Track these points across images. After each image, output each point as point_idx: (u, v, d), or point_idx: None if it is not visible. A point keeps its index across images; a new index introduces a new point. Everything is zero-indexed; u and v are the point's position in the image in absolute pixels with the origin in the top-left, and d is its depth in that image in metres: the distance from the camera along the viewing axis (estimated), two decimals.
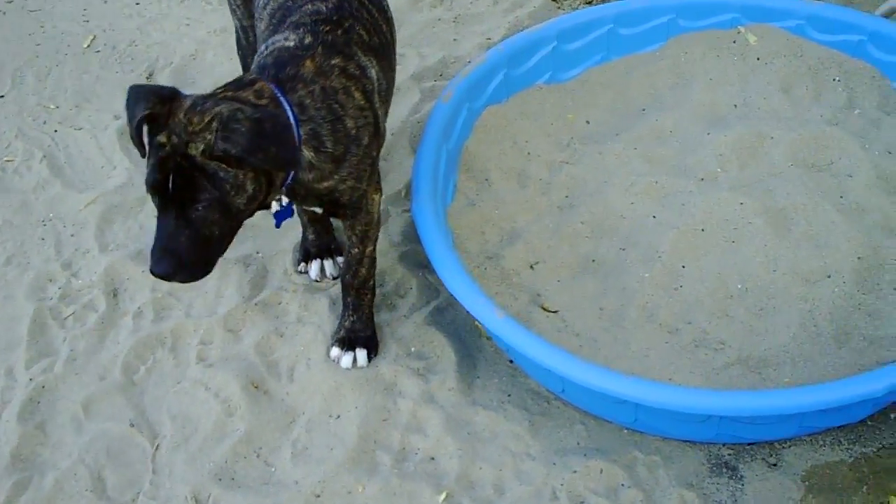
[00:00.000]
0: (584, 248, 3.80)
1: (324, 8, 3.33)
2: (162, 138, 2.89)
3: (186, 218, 2.93)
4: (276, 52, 3.19)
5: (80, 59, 5.01)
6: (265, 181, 3.00)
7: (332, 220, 3.82)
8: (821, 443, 3.32)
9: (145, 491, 3.36)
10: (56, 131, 4.62)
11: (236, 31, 3.95)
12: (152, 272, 2.97)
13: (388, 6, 3.66)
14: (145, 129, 2.94)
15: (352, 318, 3.57)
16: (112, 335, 3.79)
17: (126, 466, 3.43)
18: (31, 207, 4.29)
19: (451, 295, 3.49)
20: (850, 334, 3.45)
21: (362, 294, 3.56)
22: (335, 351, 3.57)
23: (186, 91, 4.60)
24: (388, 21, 3.60)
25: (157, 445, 3.47)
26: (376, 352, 3.60)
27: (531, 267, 3.76)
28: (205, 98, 2.95)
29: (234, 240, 3.10)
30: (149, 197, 3.04)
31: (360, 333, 3.57)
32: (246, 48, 3.89)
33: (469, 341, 3.67)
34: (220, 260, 3.10)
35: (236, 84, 3.07)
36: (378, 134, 3.32)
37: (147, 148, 2.94)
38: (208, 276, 3.11)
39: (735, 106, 4.28)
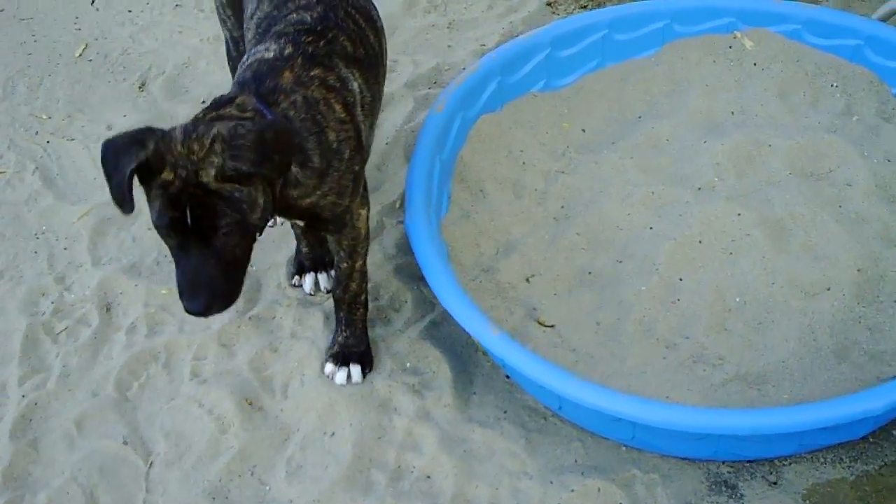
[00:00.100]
0: (581, 260, 3.77)
1: (308, 18, 3.29)
2: (167, 176, 2.77)
3: (211, 247, 2.83)
4: (256, 64, 3.14)
5: (73, 68, 4.97)
6: (271, 191, 2.94)
7: None
8: (822, 460, 3.29)
9: None
10: (48, 142, 4.59)
11: (226, 42, 3.92)
12: (189, 311, 2.88)
13: (378, 16, 3.62)
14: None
15: (345, 334, 3.54)
16: (105, 350, 3.76)
17: (119, 485, 3.40)
18: (23, 220, 4.26)
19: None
20: (850, 349, 3.42)
21: (354, 309, 3.52)
22: (329, 367, 3.54)
23: (180, 100, 4.64)
24: (377, 32, 3.56)
25: (151, 463, 3.44)
26: (371, 367, 3.56)
27: (527, 280, 3.72)
28: (194, 125, 2.85)
29: None
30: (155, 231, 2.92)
31: (353, 349, 3.54)
32: (236, 59, 3.85)
33: (465, 356, 3.63)
34: None
35: (216, 104, 2.99)
36: (361, 148, 3.27)
37: (149, 193, 2.82)
38: None
39: (732, 113, 4.24)
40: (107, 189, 4.17)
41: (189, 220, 2.78)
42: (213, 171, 2.76)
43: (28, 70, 4.98)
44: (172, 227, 2.80)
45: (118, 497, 3.37)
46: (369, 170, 4.15)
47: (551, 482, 3.25)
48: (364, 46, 3.38)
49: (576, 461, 3.33)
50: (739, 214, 3.75)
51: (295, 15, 3.30)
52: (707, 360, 3.42)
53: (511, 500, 3.23)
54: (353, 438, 3.39)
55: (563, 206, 3.95)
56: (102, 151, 2.83)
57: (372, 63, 3.42)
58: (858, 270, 3.58)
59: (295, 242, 3.84)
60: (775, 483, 3.25)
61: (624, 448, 3.36)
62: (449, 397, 3.49)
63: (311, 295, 3.82)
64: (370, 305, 3.67)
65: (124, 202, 2.78)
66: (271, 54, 3.16)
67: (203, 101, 4.63)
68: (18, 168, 4.47)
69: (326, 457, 3.38)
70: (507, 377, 3.56)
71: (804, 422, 3.04)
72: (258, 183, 2.85)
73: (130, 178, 2.76)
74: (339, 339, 3.55)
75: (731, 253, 3.67)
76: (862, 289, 3.56)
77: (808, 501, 3.19)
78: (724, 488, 3.25)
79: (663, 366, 3.42)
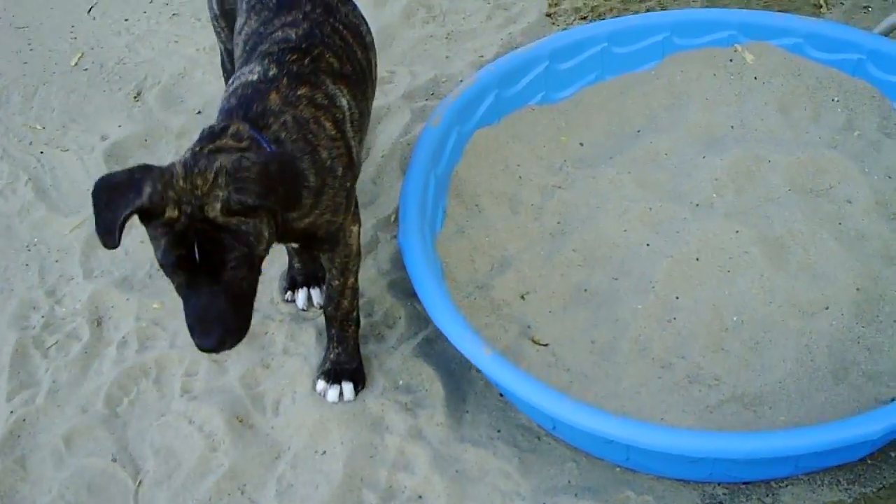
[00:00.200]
0: (576, 277, 3.72)
1: (293, 35, 3.25)
2: (171, 214, 2.71)
3: (219, 282, 2.78)
4: (240, 89, 3.10)
5: (68, 77, 4.93)
6: (274, 222, 2.90)
7: None
8: (819, 482, 3.23)
9: None
10: (42, 153, 4.55)
11: (220, 55, 3.89)
12: (202, 349, 2.84)
13: (367, 31, 3.58)
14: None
15: (337, 351, 3.50)
16: (96, 365, 3.72)
17: (107, 503, 3.36)
18: (15, 232, 4.22)
19: None
20: (849, 369, 3.37)
21: (346, 326, 3.48)
22: (321, 384, 3.50)
23: (175, 111, 4.60)
24: (366, 48, 3.51)
25: (140, 481, 3.40)
26: (364, 384, 3.52)
27: (522, 297, 3.68)
28: (194, 159, 2.79)
29: None
30: (161, 273, 2.88)
31: (345, 366, 3.50)
32: (230, 71, 3.80)
33: (459, 373, 3.59)
34: None
35: (210, 136, 2.93)
36: (352, 164, 3.23)
37: (151, 232, 2.77)
38: None
39: (732, 127, 4.19)
40: None
41: (197, 257, 2.73)
42: (218, 206, 2.71)
43: (23, 79, 4.95)
44: (179, 264, 2.76)
45: None
46: (364, 183, 4.13)
47: (544, 503, 3.21)
48: (351, 62, 3.34)
49: (569, 482, 3.29)
50: (738, 231, 3.70)
51: (280, 33, 3.26)
52: (703, 381, 3.38)
53: None
54: (344, 457, 3.35)
55: (559, 222, 3.90)
56: (96, 188, 2.77)
57: (359, 79, 3.38)
58: (858, 289, 3.53)
59: (287, 258, 3.80)
60: None
61: (618, 469, 3.32)
62: (441, 416, 3.44)
63: (304, 310, 3.79)
64: (363, 321, 3.63)
65: (110, 240, 2.74)
66: (255, 76, 3.12)
67: (198, 112, 4.61)
68: (11, 179, 4.43)
69: (317, 476, 3.34)
70: (501, 395, 3.52)
71: (799, 446, 2.99)
72: (263, 215, 2.81)
73: (123, 222, 2.72)
74: (331, 356, 3.51)
75: (728, 271, 3.62)
76: (861, 308, 3.51)
77: None
78: None
79: (658, 386, 3.37)
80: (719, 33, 4.41)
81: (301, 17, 3.32)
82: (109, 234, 2.73)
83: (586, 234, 3.82)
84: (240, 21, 3.43)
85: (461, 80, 4.47)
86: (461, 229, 3.88)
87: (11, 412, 3.59)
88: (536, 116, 4.28)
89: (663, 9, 4.88)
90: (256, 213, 2.77)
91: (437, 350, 3.64)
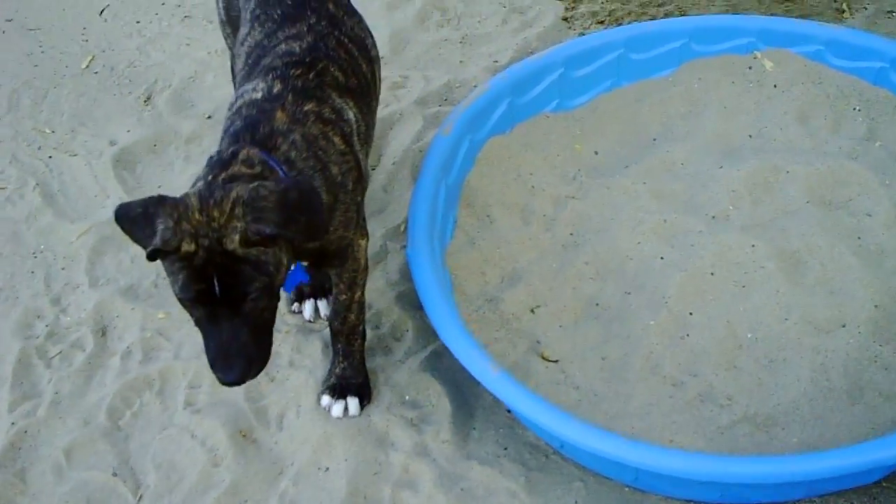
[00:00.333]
0: (588, 290, 3.65)
1: (297, 48, 3.19)
2: (188, 248, 2.63)
3: (240, 314, 2.71)
4: (245, 109, 3.02)
5: (79, 80, 4.89)
6: (292, 250, 2.83)
7: None
8: None
9: None
10: (50, 157, 4.51)
11: (231, 59, 3.82)
12: (224, 383, 2.77)
13: (372, 44, 3.51)
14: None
15: (342, 365, 3.43)
16: (99, 377, 3.67)
17: None
18: (22, 238, 4.18)
19: None
20: (864, 389, 3.28)
21: (352, 340, 3.41)
22: (326, 399, 3.43)
23: (185, 115, 4.55)
24: (371, 61, 3.44)
25: (140, 496, 3.35)
26: (369, 399, 3.45)
27: (532, 311, 3.60)
28: (209, 189, 2.71)
29: None
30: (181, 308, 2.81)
31: (351, 381, 3.43)
32: None
33: (466, 388, 3.51)
34: None
35: (220, 163, 2.84)
36: (361, 178, 3.17)
37: (168, 266, 2.70)
38: None
39: (750, 136, 4.11)
40: (107, 207, 4.17)
41: (217, 290, 2.66)
42: (237, 237, 2.63)
43: (34, 82, 4.91)
44: (199, 299, 2.69)
45: None
46: (375, 191, 4.07)
47: None
48: (356, 76, 3.27)
49: (576, 502, 3.21)
50: (754, 245, 3.62)
51: (284, 46, 3.19)
52: (715, 400, 3.29)
53: None
54: (348, 474, 3.29)
55: (571, 234, 3.83)
56: (116, 217, 2.72)
57: (364, 92, 3.31)
58: (876, 306, 3.45)
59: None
60: None
61: (627, 489, 3.24)
62: (448, 432, 3.37)
63: (310, 322, 3.72)
64: (370, 333, 3.57)
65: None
66: (259, 94, 3.05)
67: (209, 117, 4.56)
68: (19, 184, 4.39)
69: (320, 493, 3.28)
70: (509, 412, 3.44)
71: (810, 471, 2.91)
72: (282, 243, 2.74)
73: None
74: (337, 370, 3.44)
75: (743, 286, 3.54)
76: (879, 326, 3.42)
77: None
78: None
79: (669, 406, 3.29)
80: (738, 40, 4.34)
81: (306, 29, 3.25)
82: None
83: (599, 247, 3.74)
84: (243, 30, 3.37)
85: (475, 86, 4.40)
86: (472, 240, 3.81)
87: (13, 424, 3.55)
88: (551, 124, 4.21)
89: (682, 14, 4.79)
90: (276, 241, 2.69)
91: (445, 364, 3.56)
